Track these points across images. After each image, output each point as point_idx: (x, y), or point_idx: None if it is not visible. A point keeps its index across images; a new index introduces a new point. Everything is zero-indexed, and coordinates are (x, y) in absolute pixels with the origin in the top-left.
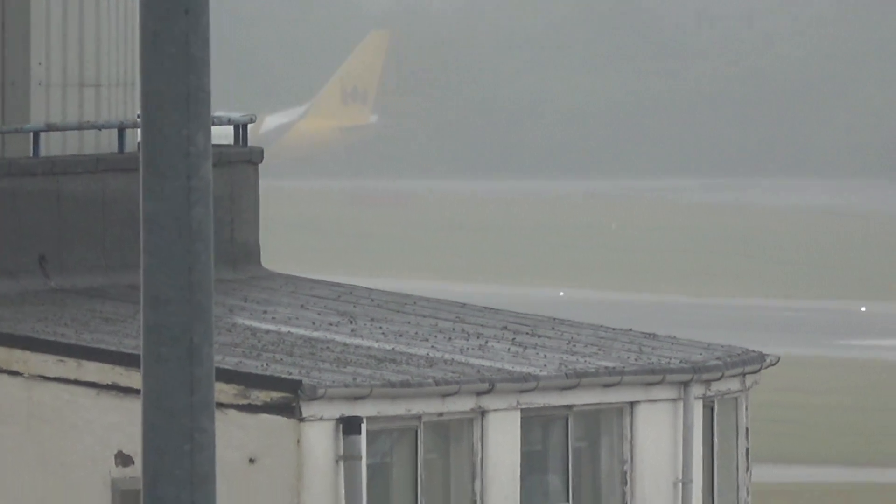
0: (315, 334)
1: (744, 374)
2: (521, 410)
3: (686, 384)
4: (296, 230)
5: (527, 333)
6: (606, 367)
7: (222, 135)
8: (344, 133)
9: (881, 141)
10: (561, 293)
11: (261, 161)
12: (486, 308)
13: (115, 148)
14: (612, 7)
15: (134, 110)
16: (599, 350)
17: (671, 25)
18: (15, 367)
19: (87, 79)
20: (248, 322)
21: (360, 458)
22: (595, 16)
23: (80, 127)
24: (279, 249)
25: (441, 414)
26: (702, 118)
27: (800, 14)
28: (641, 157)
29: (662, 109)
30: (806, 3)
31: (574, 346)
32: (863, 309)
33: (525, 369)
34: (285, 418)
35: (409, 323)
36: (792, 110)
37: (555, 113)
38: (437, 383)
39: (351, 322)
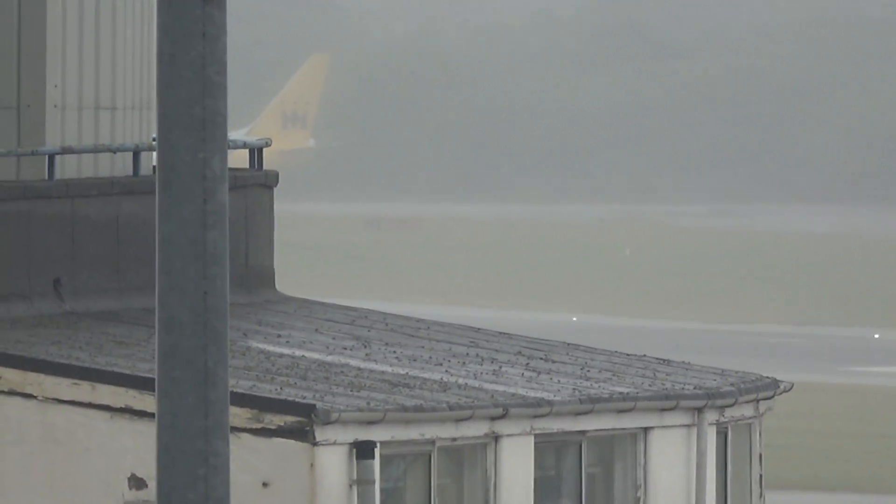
0: (329, 358)
1: (757, 401)
2: (535, 436)
3: (700, 410)
4: None
5: (541, 359)
6: (620, 393)
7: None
8: (283, 156)
9: (883, 165)
10: (574, 318)
11: (276, 185)
12: (500, 333)
13: (130, 171)
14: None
15: (150, 133)
16: (613, 376)
17: (666, 28)
18: (29, 390)
19: (103, 101)
20: (262, 346)
21: (374, 482)
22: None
23: (95, 150)
24: None
25: (455, 439)
26: (713, 136)
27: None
28: (651, 181)
29: (664, 116)
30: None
31: (588, 371)
32: (876, 336)
33: (539, 394)
34: (299, 442)
35: (423, 347)
36: (803, 132)
37: (553, 117)
38: (450, 408)
39: (365, 346)
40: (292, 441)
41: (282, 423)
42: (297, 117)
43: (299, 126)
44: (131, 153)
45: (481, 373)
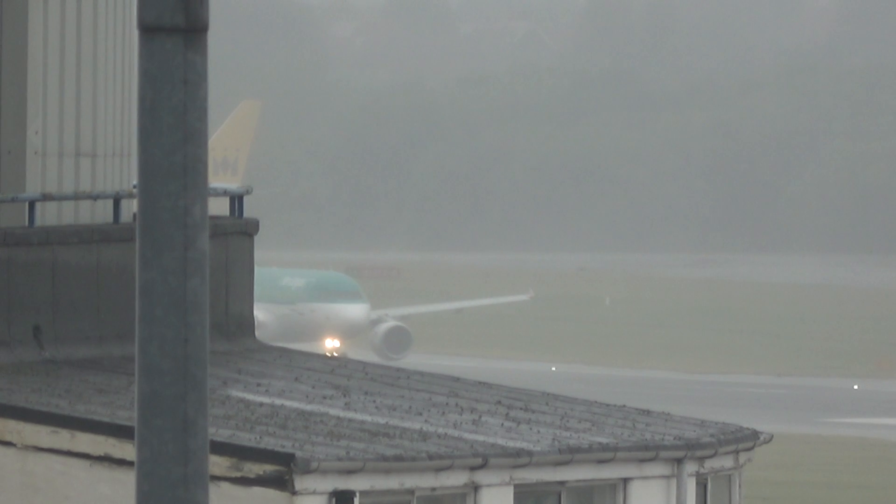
0: (309, 407)
1: (737, 452)
2: (515, 486)
3: (680, 461)
4: None
5: (520, 408)
6: (600, 443)
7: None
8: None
9: (865, 216)
10: (553, 368)
11: (256, 233)
12: (479, 383)
13: (110, 218)
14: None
15: (130, 180)
16: (593, 426)
17: (649, 78)
18: (8, 438)
19: (84, 148)
20: (241, 394)
21: None
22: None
23: (76, 197)
24: None
25: (434, 489)
26: (696, 186)
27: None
28: (633, 230)
29: (647, 165)
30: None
31: (567, 421)
32: (856, 387)
33: (519, 444)
34: (278, 491)
35: (402, 397)
36: (780, 181)
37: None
38: (430, 458)
39: (345, 395)
40: (272, 490)
41: (261, 472)
42: (227, 164)
43: (229, 173)
44: (112, 200)
45: (461, 422)
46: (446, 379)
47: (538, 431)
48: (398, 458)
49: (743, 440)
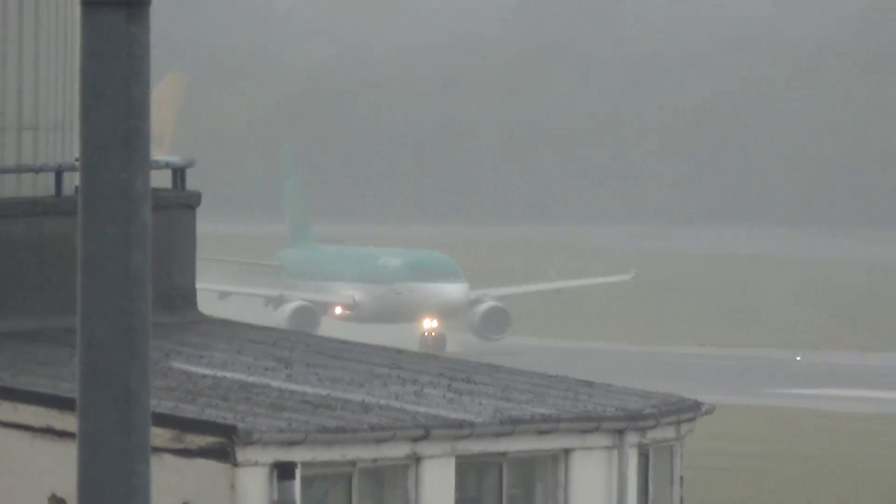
0: (251, 379)
1: (679, 423)
2: (457, 457)
3: (621, 432)
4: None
5: (463, 380)
6: (542, 414)
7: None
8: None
9: (813, 189)
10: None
11: (198, 205)
12: (422, 354)
13: (52, 191)
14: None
15: (72, 153)
16: (535, 397)
17: (596, 51)
18: None
19: (26, 122)
20: (184, 366)
21: (295, 503)
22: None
23: (18, 170)
24: None
25: (376, 460)
26: (645, 159)
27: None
28: (582, 202)
29: (592, 138)
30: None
31: (510, 392)
32: (798, 358)
33: (460, 416)
34: (220, 463)
35: (344, 369)
36: (729, 154)
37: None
38: (372, 429)
39: (287, 367)
40: (213, 462)
41: (203, 444)
42: (151, 136)
43: (154, 146)
44: (54, 173)
45: (403, 394)
46: (389, 351)
47: (480, 403)
48: (340, 430)
49: (685, 411)
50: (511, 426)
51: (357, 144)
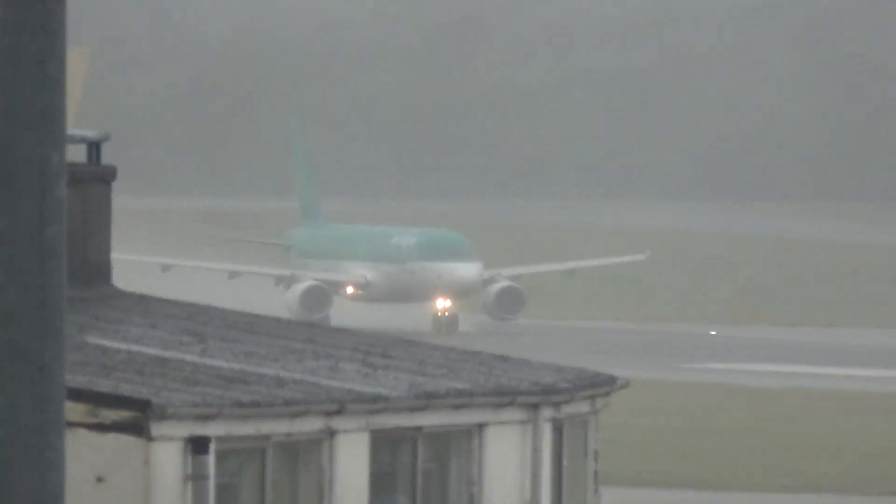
0: (165, 354)
1: (594, 397)
2: (371, 431)
3: (536, 406)
4: None
5: (378, 355)
6: (456, 389)
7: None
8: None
9: (721, 164)
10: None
11: (114, 179)
12: (337, 329)
13: None
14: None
15: None
16: (450, 371)
17: (507, 25)
18: None
19: None
20: (98, 340)
21: (209, 477)
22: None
23: None
24: None
25: (290, 434)
26: (554, 134)
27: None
28: (492, 177)
29: (501, 113)
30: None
31: (425, 367)
32: (713, 333)
33: (375, 390)
34: (134, 437)
35: (259, 343)
36: (637, 128)
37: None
38: (286, 404)
39: (201, 342)
40: (127, 436)
41: (117, 418)
42: None
43: None
44: None
45: (318, 368)
46: (303, 325)
47: (395, 377)
48: (254, 405)
49: (599, 385)
50: (426, 400)
51: (279, 118)
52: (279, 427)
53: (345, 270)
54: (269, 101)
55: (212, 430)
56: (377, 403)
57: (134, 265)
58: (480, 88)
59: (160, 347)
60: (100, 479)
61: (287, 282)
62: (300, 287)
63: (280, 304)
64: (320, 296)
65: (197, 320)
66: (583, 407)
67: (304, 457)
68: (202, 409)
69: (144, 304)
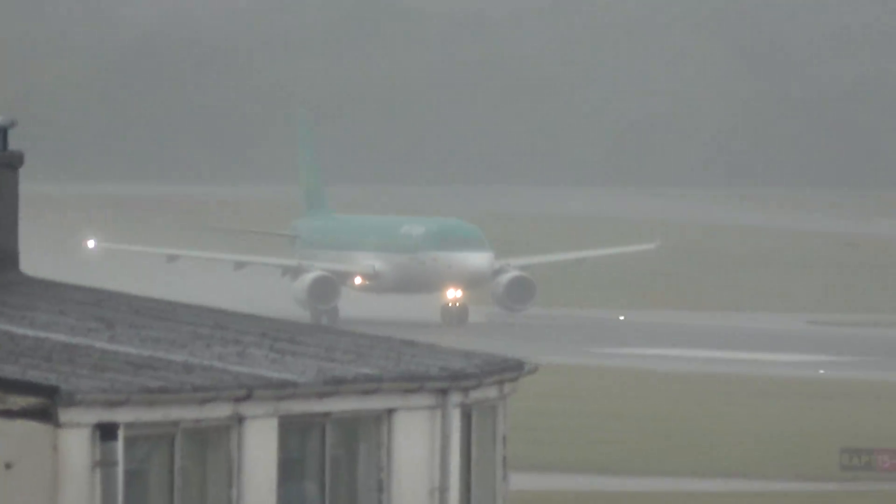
0: (73, 340)
1: (502, 382)
2: (280, 417)
3: (445, 391)
4: None
5: (286, 340)
6: (365, 374)
7: None
8: None
9: (635, 149)
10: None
11: (21, 165)
12: (245, 315)
13: None
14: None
15: None
16: (358, 357)
17: (422, 8)
18: None
19: None
20: (5, 327)
21: (117, 464)
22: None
23: None
24: None
25: (199, 420)
26: (464, 119)
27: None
28: (413, 162)
29: (412, 96)
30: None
31: (333, 353)
32: (621, 318)
33: (283, 376)
34: (42, 424)
35: (167, 329)
36: (549, 114)
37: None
38: (194, 389)
39: (109, 328)
40: (35, 423)
41: (25, 405)
42: None
43: None
44: None
45: (226, 354)
46: (212, 311)
47: (303, 363)
48: (162, 391)
49: (507, 370)
50: (334, 386)
51: (211, 107)
52: (188, 413)
53: (353, 261)
54: (177, 89)
55: (120, 416)
56: (285, 389)
57: (139, 256)
58: (394, 71)
59: (68, 333)
60: (8, 466)
61: (294, 272)
62: (308, 277)
63: (287, 294)
64: (328, 287)
65: (105, 306)
66: (491, 392)
67: (213, 443)
68: (110, 396)
69: (53, 291)
